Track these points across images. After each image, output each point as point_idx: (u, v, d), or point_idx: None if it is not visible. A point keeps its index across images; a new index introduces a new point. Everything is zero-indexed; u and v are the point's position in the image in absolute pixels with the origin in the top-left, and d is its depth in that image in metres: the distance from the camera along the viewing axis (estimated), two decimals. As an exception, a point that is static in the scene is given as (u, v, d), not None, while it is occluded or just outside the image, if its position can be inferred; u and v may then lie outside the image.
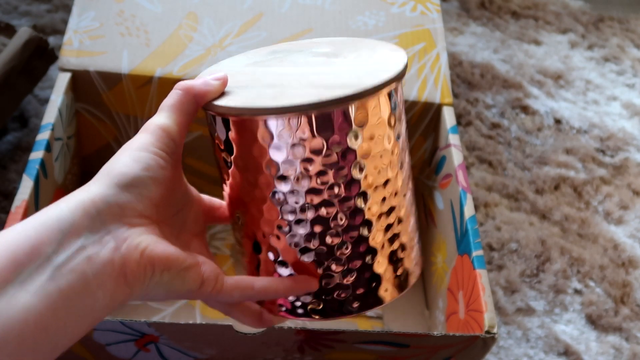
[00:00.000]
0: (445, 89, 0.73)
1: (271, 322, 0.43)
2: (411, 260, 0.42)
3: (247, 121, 0.36)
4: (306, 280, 0.39)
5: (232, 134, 0.38)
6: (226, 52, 0.71)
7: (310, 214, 0.38)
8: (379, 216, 0.39)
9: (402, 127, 0.40)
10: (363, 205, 0.38)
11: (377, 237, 0.39)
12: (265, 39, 0.73)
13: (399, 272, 0.41)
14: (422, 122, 0.75)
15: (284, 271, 0.40)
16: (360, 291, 0.40)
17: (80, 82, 0.70)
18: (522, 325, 0.78)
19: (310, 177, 0.37)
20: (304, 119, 0.35)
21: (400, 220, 0.40)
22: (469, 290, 0.62)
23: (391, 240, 0.40)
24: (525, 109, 1.03)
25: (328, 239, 0.38)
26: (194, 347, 0.58)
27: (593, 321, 0.80)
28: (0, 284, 0.28)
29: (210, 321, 0.71)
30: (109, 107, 0.73)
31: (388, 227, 0.39)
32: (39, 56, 0.81)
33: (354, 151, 0.37)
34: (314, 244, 0.38)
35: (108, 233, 0.32)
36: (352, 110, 0.36)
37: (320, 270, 0.39)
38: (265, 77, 0.39)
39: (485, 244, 0.84)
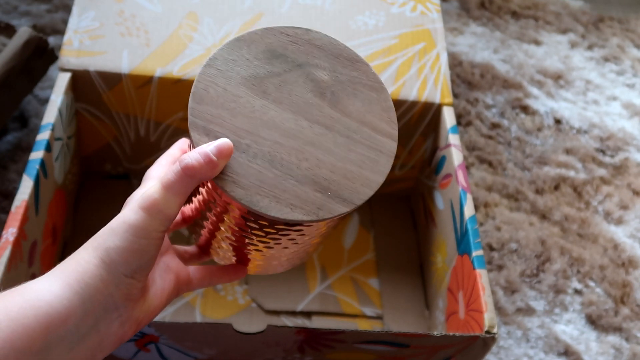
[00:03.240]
0: (445, 89, 0.73)
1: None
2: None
3: (240, 205, 0.40)
4: (241, 270, 0.50)
5: (219, 196, 0.41)
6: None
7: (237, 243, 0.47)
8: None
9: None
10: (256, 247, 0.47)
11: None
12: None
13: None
14: (422, 122, 0.75)
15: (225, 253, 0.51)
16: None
17: (80, 82, 0.70)
18: (522, 325, 0.78)
19: (252, 238, 0.45)
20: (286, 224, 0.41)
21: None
22: (469, 290, 0.62)
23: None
24: (525, 109, 1.03)
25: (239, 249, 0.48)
26: (194, 347, 0.58)
27: (593, 321, 0.80)
28: (36, 352, 0.35)
29: (210, 321, 0.71)
30: (109, 107, 0.73)
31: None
32: (39, 56, 0.81)
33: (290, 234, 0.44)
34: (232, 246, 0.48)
35: (116, 310, 0.39)
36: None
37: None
38: (264, 133, 0.41)
39: (485, 244, 0.84)
